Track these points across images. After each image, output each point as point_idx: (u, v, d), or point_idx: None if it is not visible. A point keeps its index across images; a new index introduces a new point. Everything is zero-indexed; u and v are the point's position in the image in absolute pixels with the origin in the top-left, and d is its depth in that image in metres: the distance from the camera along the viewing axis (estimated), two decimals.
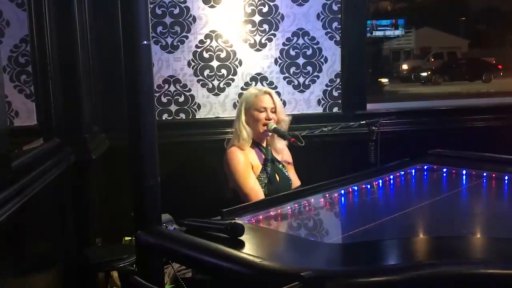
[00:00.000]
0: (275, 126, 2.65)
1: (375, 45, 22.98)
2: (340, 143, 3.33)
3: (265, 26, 3.39)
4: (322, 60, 3.46)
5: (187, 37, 3.35)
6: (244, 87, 3.41)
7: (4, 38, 3.22)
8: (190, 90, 3.39)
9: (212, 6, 3.32)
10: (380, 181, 2.51)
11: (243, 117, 2.68)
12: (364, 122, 2.98)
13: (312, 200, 2.16)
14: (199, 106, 3.41)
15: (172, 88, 3.38)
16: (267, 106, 2.68)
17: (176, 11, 3.31)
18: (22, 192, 1.96)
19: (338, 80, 3.49)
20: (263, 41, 3.40)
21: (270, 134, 2.71)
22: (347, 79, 3.49)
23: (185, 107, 3.40)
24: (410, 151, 2.90)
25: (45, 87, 2.66)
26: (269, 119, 2.66)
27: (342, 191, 2.29)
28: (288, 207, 2.06)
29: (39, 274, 2.25)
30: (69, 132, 2.72)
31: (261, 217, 1.93)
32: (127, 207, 2.17)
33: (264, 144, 2.74)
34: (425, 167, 2.73)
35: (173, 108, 3.40)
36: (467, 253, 1.55)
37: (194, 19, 3.33)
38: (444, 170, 2.66)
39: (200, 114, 3.41)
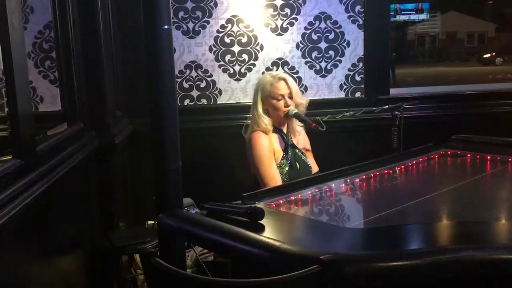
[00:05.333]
0: (296, 111, 2.64)
1: (399, 29, 22.64)
2: (362, 128, 3.30)
3: (287, 10, 3.36)
4: (344, 44, 3.43)
5: (208, 22, 3.34)
6: (265, 71, 3.40)
7: (29, 24, 3.27)
8: (211, 75, 3.40)
9: None
10: (403, 166, 2.48)
11: (260, 107, 2.65)
12: (386, 107, 2.97)
13: (333, 185, 2.15)
14: (220, 92, 3.41)
15: (193, 74, 3.39)
16: (284, 92, 2.65)
17: None
18: (47, 176, 2.00)
19: (361, 64, 3.45)
20: (284, 25, 3.37)
21: (290, 119, 2.69)
22: (370, 63, 3.45)
23: (207, 93, 3.41)
24: (434, 137, 2.85)
25: (68, 73, 2.70)
26: (288, 106, 2.64)
27: (364, 177, 2.27)
28: (309, 192, 2.05)
29: (64, 256, 2.31)
30: (92, 117, 2.76)
31: (281, 201, 1.93)
32: (150, 191, 2.20)
33: (285, 130, 2.73)
34: (449, 152, 2.69)
35: (194, 93, 3.41)
36: (490, 238, 1.53)
37: (216, 4, 3.32)
38: (468, 155, 2.62)
39: (222, 100, 3.42)
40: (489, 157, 2.54)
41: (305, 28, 3.39)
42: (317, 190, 2.09)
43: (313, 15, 3.38)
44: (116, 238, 2.69)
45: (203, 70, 3.39)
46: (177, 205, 1.96)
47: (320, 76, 3.45)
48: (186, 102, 3.42)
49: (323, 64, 3.44)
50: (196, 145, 3.32)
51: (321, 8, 3.37)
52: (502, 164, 2.45)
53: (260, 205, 1.83)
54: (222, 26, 3.35)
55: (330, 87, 3.47)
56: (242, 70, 3.40)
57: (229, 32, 3.35)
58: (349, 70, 3.46)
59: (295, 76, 3.42)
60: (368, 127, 3.26)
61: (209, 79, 3.40)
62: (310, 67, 3.44)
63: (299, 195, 2.02)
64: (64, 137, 2.44)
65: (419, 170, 2.46)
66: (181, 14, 3.33)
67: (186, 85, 3.40)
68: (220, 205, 1.76)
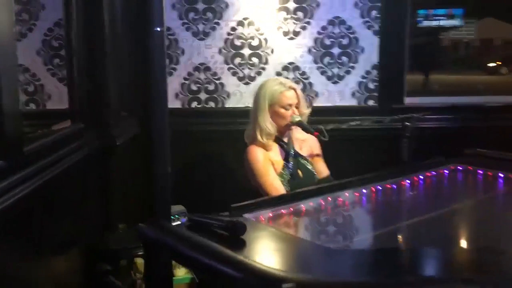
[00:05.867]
0: (299, 119, 2.55)
1: (431, 35, 22.24)
2: (372, 138, 3.19)
3: (300, 14, 3.27)
4: (358, 50, 3.31)
5: (218, 24, 3.28)
6: (276, 76, 3.31)
7: (38, 22, 3.27)
8: (220, 78, 3.33)
9: None
10: (408, 181, 2.36)
11: (267, 113, 2.56)
12: (396, 117, 2.86)
13: (330, 198, 2.05)
14: (228, 95, 3.34)
15: (202, 76, 3.33)
16: (292, 102, 2.57)
17: None
18: (33, 177, 1.95)
19: (375, 71, 3.33)
20: (296, 29, 3.28)
21: (292, 127, 2.60)
22: (384, 71, 3.33)
23: (215, 96, 3.35)
24: (449, 150, 2.73)
25: (71, 71, 2.66)
26: (293, 113, 2.55)
27: (364, 190, 2.17)
28: (302, 206, 1.96)
29: (60, 256, 2.27)
30: (93, 117, 2.72)
31: (271, 214, 1.85)
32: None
33: (286, 139, 2.64)
34: (460, 167, 2.56)
35: (202, 96, 3.35)
36: (486, 269, 1.41)
37: (227, 5, 3.25)
38: (480, 172, 2.48)
39: (229, 103, 3.35)
40: (501, 175, 2.40)
41: (318, 33, 3.29)
42: (311, 203, 2.00)
43: (327, 19, 3.28)
44: (115, 241, 2.65)
45: (211, 72, 3.32)
46: (163, 212, 1.89)
47: (332, 83, 3.35)
48: (194, 104, 3.36)
49: (335, 70, 3.34)
50: (201, 149, 3.27)
51: (335, 13, 3.27)
52: None
53: (247, 217, 1.76)
54: (233, 29, 3.28)
55: (342, 94, 3.36)
56: (252, 74, 3.32)
57: (239, 34, 3.28)
58: (362, 77, 3.34)
59: (306, 81, 3.33)
60: (378, 137, 3.14)
61: (217, 81, 3.33)
62: (322, 73, 3.33)
63: (291, 208, 1.93)
64: (59, 137, 2.40)
65: (425, 186, 2.33)
66: (191, 15, 3.27)
67: (194, 88, 3.34)
68: (204, 217, 1.68)
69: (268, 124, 2.54)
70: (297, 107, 2.59)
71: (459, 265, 1.43)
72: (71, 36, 2.59)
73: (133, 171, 3.23)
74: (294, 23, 3.27)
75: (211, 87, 3.34)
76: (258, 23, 3.27)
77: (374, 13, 3.26)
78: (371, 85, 3.35)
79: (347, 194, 2.12)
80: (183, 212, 2.20)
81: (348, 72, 3.34)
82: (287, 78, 3.29)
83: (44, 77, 3.28)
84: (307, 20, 3.27)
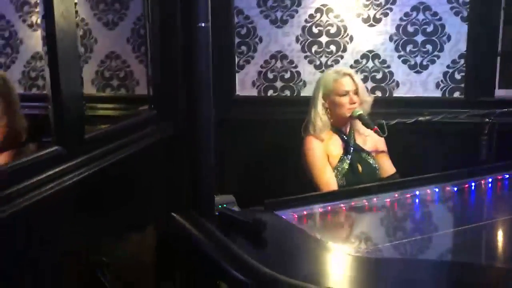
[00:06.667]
0: (360, 112, 2.46)
1: None
2: (448, 134, 2.96)
3: (381, 0, 3.12)
4: (444, 38, 3.09)
5: (297, 11, 3.24)
6: (354, 65, 3.21)
7: (128, 11, 3.48)
8: (296, 66, 3.30)
9: None
10: (473, 184, 2.19)
11: (319, 105, 2.53)
12: (476, 112, 2.65)
13: (375, 199, 1.98)
14: (304, 84, 3.31)
15: (279, 64, 3.33)
16: (349, 89, 2.49)
17: None
18: (91, 163, 2.10)
19: (462, 61, 3.09)
20: (378, 15, 3.14)
21: (354, 120, 2.52)
22: (473, 60, 3.07)
23: (291, 84, 3.33)
24: None
25: (147, 60, 2.81)
26: (353, 102, 2.47)
27: (417, 192, 2.05)
28: (342, 205, 1.91)
29: (131, 237, 2.43)
30: (166, 105, 2.85)
31: (305, 212, 1.83)
32: None
33: (347, 131, 2.56)
34: None
35: (278, 84, 3.35)
36: None
37: None
38: None
39: (306, 92, 3.30)
40: None
41: (401, 19, 3.11)
42: (353, 203, 1.94)
43: (411, 5, 3.09)
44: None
45: (288, 60, 3.31)
46: (206, 204, 1.95)
47: (415, 72, 3.16)
48: (270, 92, 3.37)
49: (418, 59, 3.14)
50: (275, 137, 3.27)
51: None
52: None
53: (278, 215, 1.76)
54: (311, 16, 3.22)
55: (425, 85, 3.16)
56: (329, 62, 3.25)
57: (317, 22, 3.22)
58: (448, 67, 3.12)
59: (386, 71, 3.18)
60: (456, 132, 2.92)
61: (294, 70, 3.31)
62: (404, 62, 3.16)
63: (329, 207, 1.89)
64: (133, 122, 2.56)
65: (486, 191, 2.14)
66: (269, 2, 3.26)
67: (270, 76, 3.35)
68: (233, 212, 1.72)
69: (318, 117, 2.50)
70: (356, 94, 2.50)
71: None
72: (147, 29, 2.74)
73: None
74: (375, 9, 3.13)
75: (287, 75, 3.33)
76: (337, 10, 3.18)
77: None
78: (458, 76, 3.11)
79: (396, 195, 2.03)
80: (232, 202, 2.25)
81: (432, 62, 3.13)
82: (366, 66, 3.19)
83: (133, 64, 3.49)
84: (389, 6, 3.11)
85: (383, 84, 3.20)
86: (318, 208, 1.87)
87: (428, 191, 2.07)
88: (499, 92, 3.12)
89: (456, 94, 3.13)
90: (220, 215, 1.74)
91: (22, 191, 1.62)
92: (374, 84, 3.21)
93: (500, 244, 1.73)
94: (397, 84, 3.19)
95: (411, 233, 1.76)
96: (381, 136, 2.39)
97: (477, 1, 2.99)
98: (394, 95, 3.19)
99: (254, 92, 3.39)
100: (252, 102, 3.40)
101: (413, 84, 3.18)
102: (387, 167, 2.61)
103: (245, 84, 3.40)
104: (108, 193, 2.22)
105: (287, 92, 3.34)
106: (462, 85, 3.11)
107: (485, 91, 3.08)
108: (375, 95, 3.19)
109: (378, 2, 3.12)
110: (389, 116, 2.95)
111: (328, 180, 2.45)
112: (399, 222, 1.92)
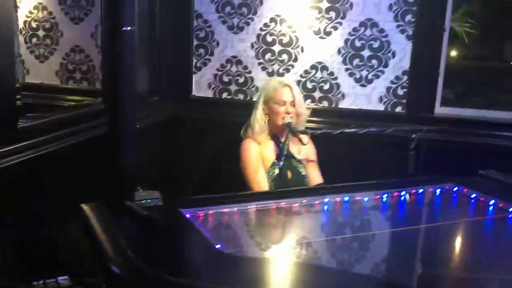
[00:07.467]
0: (290, 121, 2.60)
1: None
2: (380, 146, 3.08)
3: (332, 14, 3.25)
4: (389, 54, 3.22)
5: (252, 19, 3.37)
6: (303, 74, 3.35)
7: (94, 8, 3.61)
8: (250, 72, 3.44)
9: None
10: (386, 195, 2.32)
11: (259, 110, 2.67)
12: (405, 128, 2.78)
13: (283, 203, 2.10)
14: (257, 89, 3.44)
15: (233, 68, 3.46)
16: (286, 99, 2.63)
17: None
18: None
19: (405, 77, 3.22)
20: (328, 29, 3.27)
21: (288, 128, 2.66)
22: (415, 77, 3.21)
23: (244, 89, 3.47)
24: (467, 167, 2.60)
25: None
26: (288, 113, 2.61)
27: (337, 199, 2.16)
28: (250, 207, 2.04)
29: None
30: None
31: (210, 212, 1.96)
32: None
33: (283, 139, 2.70)
34: (455, 189, 2.44)
35: (233, 88, 3.49)
36: None
37: (261, 2, 3.34)
38: (473, 196, 2.35)
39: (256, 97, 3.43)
40: (491, 202, 2.27)
41: (349, 34, 3.25)
42: (261, 206, 2.06)
43: (359, 21, 3.23)
44: None
45: (243, 66, 3.44)
46: (125, 197, 2.08)
47: (360, 85, 3.30)
48: (224, 95, 3.51)
49: (364, 73, 3.28)
50: (223, 139, 3.39)
51: (368, 15, 3.20)
52: (497, 213, 2.18)
53: (184, 212, 1.89)
54: (266, 25, 3.36)
55: (369, 98, 3.30)
56: (281, 70, 3.38)
57: (271, 31, 3.35)
58: (391, 82, 3.25)
59: (333, 82, 3.32)
60: (389, 144, 3.04)
61: (248, 75, 3.45)
62: (350, 75, 3.30)
63: (235, 208, 2.01)
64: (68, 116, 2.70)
65: (399, 203, 2.27)
66: (227, 9, 3.40)
67: (226, 79, 3.49)
68: (136, 206, 1.85)
69: (256, 121, 2.64)
70: (293, 106, 2.64)
71: None
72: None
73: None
74: (326, 22, 3.27)
75: (241, 80, 3.46)
76: (290, 21, 3.31)
77: (409, 17, 3.14)
78: (400, 91, 3.25)
79: (305, 201, 2.16)
80: (157, 198, 2.36)
81: (377, 76, 3.27)
82: (315, 77, 3.33)
83: (95, 58, 3.62)
84: (339, 20, 3.25)
85: (329, 95, 3.33)
86: (224, 209, 1.99)
87: (338, 199, 2.20)
88: (440, 110, 3.26)
89: (398, 109, 3.27)
90: (126, 208, 1.87)
91: None
92: (322, 94, 3.34)
93: (386, 254, 1.87)
94: (343, 96, 3.32)
95: (295, 238, 1.90)
96: (303, 145, 2.52)
97: (422, 20, 3.13)
98: (340, 106, 3.33)
99: (210, 94, 3.53)
100: (208, 103, 3.53)
101: (358, 97, 3.32)
102: (315, 177, 2.74)
103: (201, 85, 3.53)
104: (34, 182, 2.34)
105: (241, 96, 3.48)
106: (404, 100, 3.24)
107: (425, 107, 3.21)
108: (322, 105, 3.34)
109: (329, 16, 3.26)
110: (334, 126, 3.10)
111: (260, 182, 2.59)
112: (294, 226, 2.05)
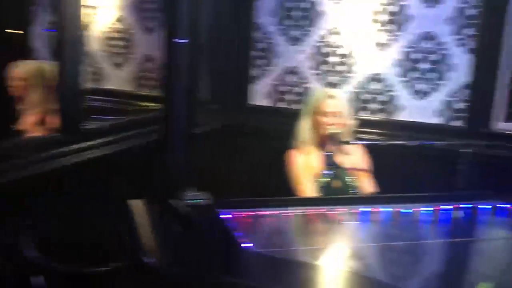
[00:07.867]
0: (334, 131, 2.62)
1: None
2: (432, 159, 3.01)
3: (391, 26, 3.25)
4: (448, 67, 3.17)
5: (311, 31, 3.44)
6: (359, 86, 3.36)
7: None
8: (307, 82, 3.50)
9: (337, 2, 3.34)
10: (436, 208, 2.28)
11: (305, 120, 2.71)
12: (453, 143, 2.74)
13: (337, 212, 2.14)
14: None
15: (290, 79, 3.54)
16: (330, 110, 2.65)
17: (304, 5, 3.42)
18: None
19: (465, 91, 3.15)
20: (386, 41, 3.27)
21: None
22: (476, 91, 3.12)
23: (300, 99, 3.53)
24: None
25: None
26: (332, 124, 2.63)
27: (372, 209, 2.18)
28: (288, 212, 2.10)
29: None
30: None
31: (244, 214, 2.03)
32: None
33: (328, 148, 2.72)
34: (500, 205, 2.35)
35: (288, 97, 3.56)
36: None
37: (319, 14, 3.39)
38: (507, 213, 2.28)
39: None
40: None
41: (408, 46, 3.23)
42: (294, 212, 2.11)
43: (418, 33, 3.20)
44: None
45: (300, 76, 3.51)
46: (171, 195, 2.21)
47: (417, 98, 3.26)
48: (280, 105, 3.59)
49: (422, 86, 3.24)
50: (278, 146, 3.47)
51: (428, 28, 3.16)
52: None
53: (222, 213, 1.98)
54: (323, 36, 3.41)
55: (426, 111, 3.25)
56: (337, 81, 3.42)
57: (329, 42, 3.40)
58: (450, 96, 3.19)
59: (390, 94, 3.31)
60: (443, 158, 2.98)
61: (304, 85, 3.51)
62: (407, 87, 3.27)
63: (273, 212, 2.07)
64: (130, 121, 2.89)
65: (449, 217, 2.24)
66: (287, 21, 3.49)
67: (282, 89, 3.57)
68: (178, 205, 1.97)
69: (303, 131, 2.68)
70: (338, 117, 2.66)
71: None
72: None
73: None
74: (385, 35, 3.27)
75: (297, 90, 3.53)
76: (347, 33, 3.34)
77: (468, 30, 3.08)
78: (459, 105, 3.18)
79: (345, 209, 2.18)
80: (208, 199, 2.47)
81: (435, 90, 3.21)
82: (372, 88, 3.33)
83: None
84: (397, 33, 3.24)
85: (386, 107, 3.32)
86: (263, 212, 2.06)
87: (380, 209, 2.21)
88: (503, 125, 3.15)
89: (457, 123, 3.20)
90: (170, 207, 1.99)
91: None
92: (379, 106, 3.34)
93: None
94: (399, 109, 3.30)
95: (339, 245, 1.93)
96: (347, 155, 2.54)
97: (482, 34, 3.05)
98: (396, 118, 3.31)
99: (266, 103, 3.62)
100: (264, 112, 3.63)
101: (415, 110, 3.27)
102: (366, 186, 2.73)
103: (258, 94, 3.64)
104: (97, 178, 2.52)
105: (297, 106, 3.54)
106: (464, 114, 3.17)
107: (485, 122, 3.12)
108: (378, 117, 3.33)
109: (387, 29, 3.25)
110: (389, 138, 3.11)
111: (303, 192, 2.63)
112: (336, 233, 2.08)
